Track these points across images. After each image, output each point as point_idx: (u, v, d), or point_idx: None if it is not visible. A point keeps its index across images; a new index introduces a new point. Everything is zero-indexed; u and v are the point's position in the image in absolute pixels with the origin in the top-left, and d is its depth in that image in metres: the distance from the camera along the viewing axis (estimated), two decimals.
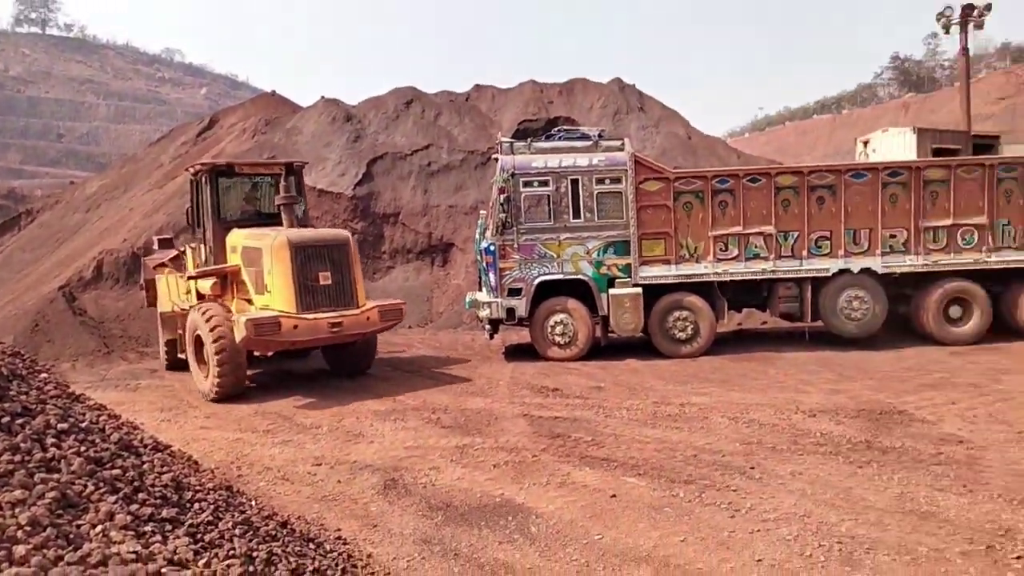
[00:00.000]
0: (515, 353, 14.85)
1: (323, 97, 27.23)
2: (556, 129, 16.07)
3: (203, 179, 12.37)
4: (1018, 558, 4.76)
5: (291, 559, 3.83)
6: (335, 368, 13.13)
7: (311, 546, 4.63)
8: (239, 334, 10.35)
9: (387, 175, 23.87)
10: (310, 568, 3.86)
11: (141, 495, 3.56)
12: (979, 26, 27.52)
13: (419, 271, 22.19)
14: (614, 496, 6.33)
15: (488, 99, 28.42)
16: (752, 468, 6.84)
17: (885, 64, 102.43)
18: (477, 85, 29.16)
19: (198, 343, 11.39)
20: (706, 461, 7.12)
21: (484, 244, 14.05)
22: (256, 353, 11.52)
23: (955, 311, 13.64)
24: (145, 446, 4.57)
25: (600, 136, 14.39)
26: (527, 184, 13.71)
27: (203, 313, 11.10)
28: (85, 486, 3.32)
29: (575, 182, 13.68)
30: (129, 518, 3.17)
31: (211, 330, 10.79)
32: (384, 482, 6.99)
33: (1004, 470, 6.45)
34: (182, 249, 14.52)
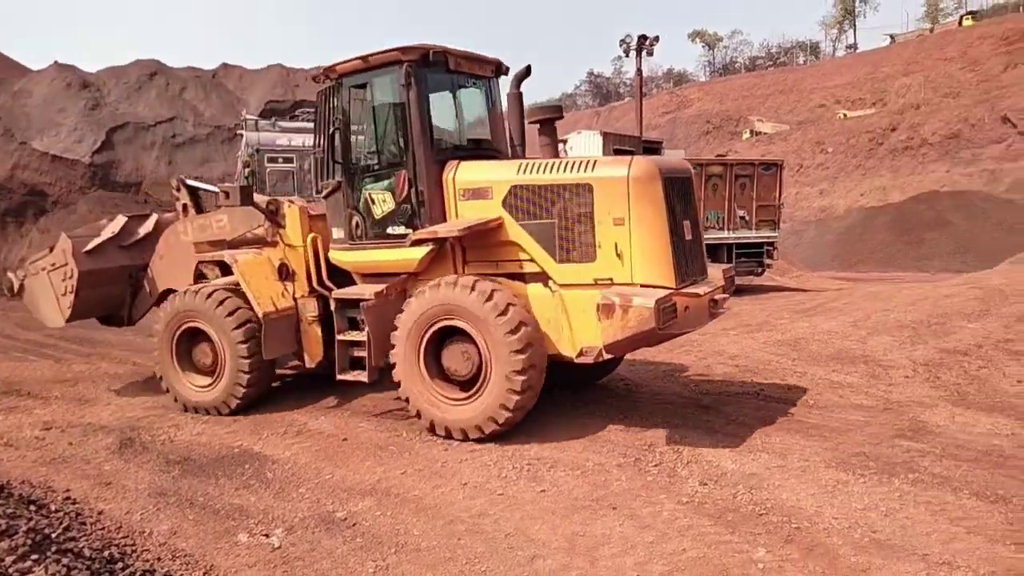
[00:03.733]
0: None
1: (56, 61, 23.53)
2: (301, 111, 15.46)
3: (402, 76, 6.32)
4: (656, 465, 5.47)
5: (0, 521, 3.34)
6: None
7: (31, 508, 4.08)
8: (630, 324, 5.48)
9: (129, 144, 21.33)
10: (23, 528, 3.40)
11: None
12: (650, 53, 30.71)
13: None
14: (345, 439, 6.30)
15: (235, 78, 26.39)
16: None
17: (583, 78, 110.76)
18: (225, 64, 26.94)
19: (433, 339, 6.20)
20: None
21: None
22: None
23: None
24: None
25: None
26: (272, 160, 13.17)
27: (473, 289, 5.92)
28: None
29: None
30: None
31: (507, 317, 5.79)
32: (120, 441, 6.34)
33: (651, 399, 7.35)
34: (175, 210, 8.53)
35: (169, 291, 7.90)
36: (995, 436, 5.85)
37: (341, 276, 7.15)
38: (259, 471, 5.62)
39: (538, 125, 6.78)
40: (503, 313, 5.79)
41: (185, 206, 8.42)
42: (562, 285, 6.07)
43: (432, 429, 6.21)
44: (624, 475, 5.27)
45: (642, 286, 5.74)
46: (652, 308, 5.37)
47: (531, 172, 6.22)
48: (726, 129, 62.75)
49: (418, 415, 6.27)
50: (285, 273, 7.36)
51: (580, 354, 5.97)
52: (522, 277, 6.33)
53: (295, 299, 7.29)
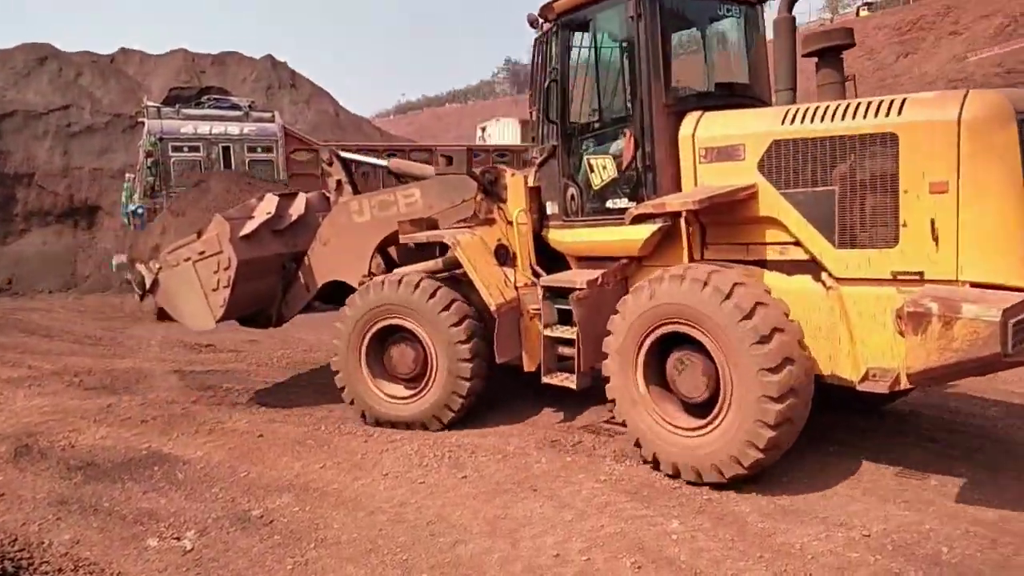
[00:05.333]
0: (168, 314, 13.54)
1: None
2: (206, 98, 14.89)
3: (632, 6, 5.13)
4: (575, 445, 5.58)
5: None
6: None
7: None
8: (956, 344, 3.72)
9: (18, 134, 20.00)
10: None
11: None
12: None
13: (60, 235, 19.12)
14: (261, 436, 6.14)
15: (136, 63, 25.10)
16: None
17: (500, 65, 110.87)
18: (123, 48, 25.56)
19: (655, 347, 4.85)
20: None
21: (132, 207, 12.62)
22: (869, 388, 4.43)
23: None
24: None
25: (251, 107, 13.69)
26: (176, 149, 12.65)
27: (707, 284, 4.45)
28: None
29: (226, 149, 12.93)
30: None
31: (754, 322, 4.29)
32: (15, 449, 5.96)
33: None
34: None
35: (335, 284, 6.99)
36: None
37: (557, 260, 6.14)
38: (169, 473, 5.41)
39: (816, 58, 5.12)
40: (748, 316, 4.26)
41: (339, 183, 7.34)
42: (842, 279, 4.46)
43: (655, 464, 4.86)
44: (544, 457, 5.36)
45: (972, 285, 3.98)
46: (997, 323, 3.57)
47: (802, 121, 4.58)
48: None
49: (637, 445, 4.96)
50: (503, 257, 6.22)
51: (865, 378, 4.37)
52: (782, 267, 4.79)
53: (516, 288, 6.14)
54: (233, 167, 12.88)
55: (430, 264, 6.47)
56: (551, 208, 6.10)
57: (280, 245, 7.06)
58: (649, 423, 4.84)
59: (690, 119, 5.12)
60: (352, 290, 6.54)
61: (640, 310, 4.77)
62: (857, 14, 63.44)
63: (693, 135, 5.04)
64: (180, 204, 7.49)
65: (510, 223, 6.21)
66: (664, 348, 4.82)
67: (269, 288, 7.19)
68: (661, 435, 4.79)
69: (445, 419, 6.00)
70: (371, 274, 6.74)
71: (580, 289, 5.30)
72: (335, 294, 7.01)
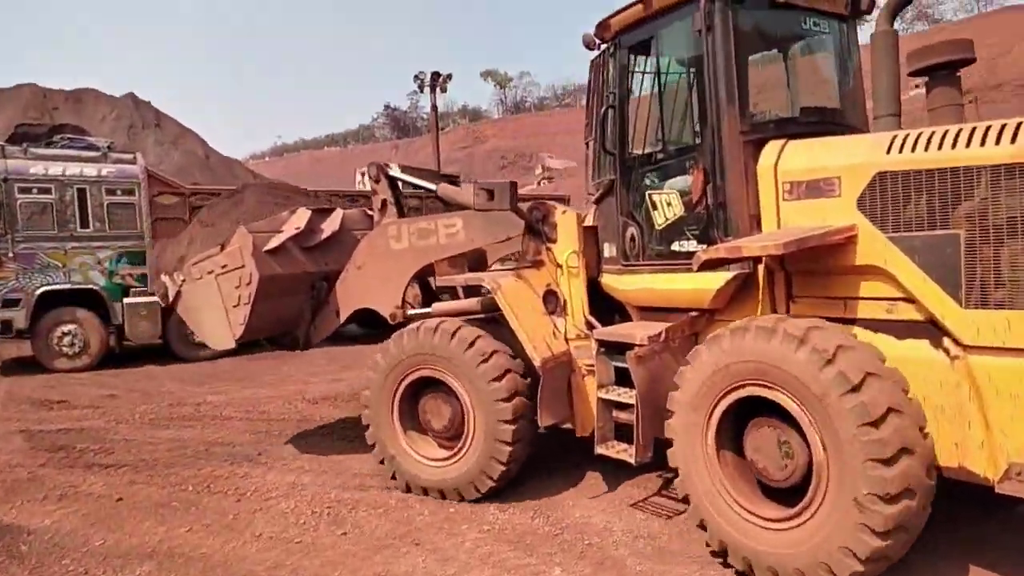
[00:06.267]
0: (13, 368, 12.39)
1: None
2: (59, 137, 13.98)
3: (700, 18, 4.40)
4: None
5: None
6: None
7: None
8: None
9: None
10: None
11: None
12: (444, 89, 31.66)
13: None
14: (120, 500, 5.70)
15: None
16: (260, 455, 6.78)
17: (380, 111, 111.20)
18: None
19: (732, 412, 3.99)
20: (217, 454, 6.83)
21: None
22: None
23: None
24: None
25: (109, 148, 12.97)
26: (24, 191, 11.78)
27: (803, 343, 3.55)
28: None
29: (82, 191, 12.14)
30: None
31: (860, 397, 3.38)
32: None
33: None
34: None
35: (364, 311, 6.40)
36: None
37: (616, 310, 5.42)
38: (11, 546, 4.89)
39: (927, 77, 4.48)
40: (855, 389, 3.39)
41: (384, 202, 6.57)
42: (971, 347, 3.51)
43: (724, 557, 3.99)
44: (427, 509, 5.30)
45: None
46: None
47: (914, 148, 3.71)
48: (520, 164, 66.01)
49: (702, 527, 4.09)
50: (553, 304, 5.55)
51: (1007, 477, 3.39)
52: (891, 328, 3.86)
53: (567, 340, 5.46)
54: (89, 211, 12.12)
55: (469, 303, 5.93)
56: (609, 250, 5.40)
57: (309, 263, 6.56)
58: (721, 506, 3.98)
59: (771, 148, 4.34)
60: (382, 320, 6.17)
61: (716, 366, 3.93)
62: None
63: (775, 167, 4.25)
64: (210, 215, 6.94)
65: (560, 266, 5.56)
66: (741, 416, 4.01)
67: (296, 308, 6.67)
68: (738, 525, 3.91)
69: (483, 488, 5.25)
70: (405, 304, 6.31)
71: (640, 345, 4.58)
72: (370, 320, 6.63)
